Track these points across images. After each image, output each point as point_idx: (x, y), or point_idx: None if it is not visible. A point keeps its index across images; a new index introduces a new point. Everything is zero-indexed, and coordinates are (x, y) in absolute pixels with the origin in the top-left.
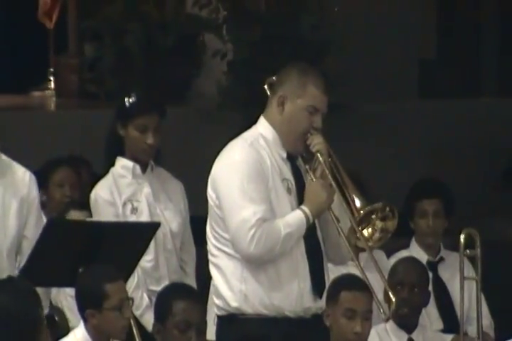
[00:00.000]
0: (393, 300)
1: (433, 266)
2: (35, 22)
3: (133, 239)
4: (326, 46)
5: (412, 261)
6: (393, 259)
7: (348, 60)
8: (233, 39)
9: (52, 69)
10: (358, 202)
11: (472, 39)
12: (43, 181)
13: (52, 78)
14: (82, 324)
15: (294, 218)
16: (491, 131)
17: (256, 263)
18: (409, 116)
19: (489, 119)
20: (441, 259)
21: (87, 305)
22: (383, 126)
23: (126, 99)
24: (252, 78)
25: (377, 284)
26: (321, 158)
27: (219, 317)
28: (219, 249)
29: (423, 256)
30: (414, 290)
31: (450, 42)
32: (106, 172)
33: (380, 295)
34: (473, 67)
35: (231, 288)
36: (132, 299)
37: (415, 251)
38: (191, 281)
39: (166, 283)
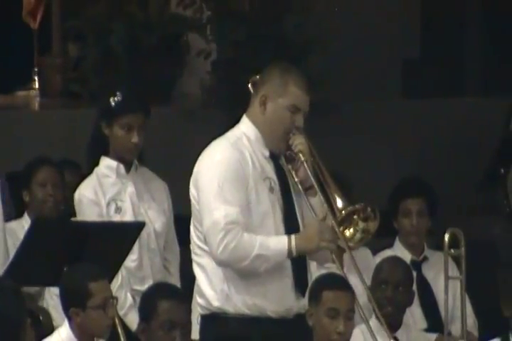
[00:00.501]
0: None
1: (417, 265)
2: (19, 22)
3: (118, 238)
4: (310, 46)
5: (397, 260)
6: (377, 258)
7: (332, 59)
8: (217, 39)
9: (36, 69)
10: (339, 203)
11: (456, 38)
12: (25, 181)
13: (36, 78)
14: (66, 323)
15: (275, 244)
16: (475, 131)
17: (226, 268)
18: (393, 115)
19: (473, 119)
20: (425, 259)
21: (71, 303)
22: (367, 126)
23: (111, 98)
24: (236, 78)
25: (360, 285)
26: (302, 158)
27: (202, 317)
28: (201, 248)
29: (407, 256)
30: (399, 289)
31: (434, 42)
32: (90, 172)
33: (364, 298)
34: (457, 67)
35: (213, 287)
36: (116, 298)
37: (399, 250)
38: (175, 281)
39: (150, 282)
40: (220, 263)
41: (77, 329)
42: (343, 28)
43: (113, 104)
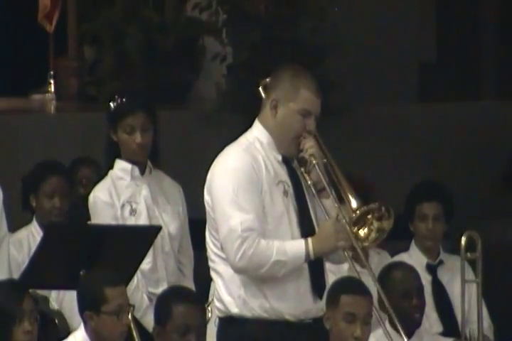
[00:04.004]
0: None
1: (432, 269)
2: (35, 25)
3: (134, 242)
4: (326, 49)
5: (405, 267)
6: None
7: (348, 62)
8: (233, 42)
9: (52, 73)
10: (353, 203)
11: (472, 42)
12: (33, 186)
13: (52, 81)
14: (82, 326)
15: (292, 248)
16: (491, 134)
17: (244, 275)
18: (410, 119)
19: (489, 122)
20: (441, 262)
21: (86, 306)
22: (383, 129)
23: (110, 103)
24: (252, 81)
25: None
26: (314, 162)
27: (220, 319)
28: (217, 255)
29: (423, 259)
30: (420, 295)
31: (450, 46)
32: (105, 174)
33: None
34: (473, 70)
35: (230, 293)
36: (133, 306)
37: (415, 254)
38: (189, 283)
39: (164, 285)
40: (239, 270)
41: (91, 333)
42: (359, 31)
43: (112, 109)
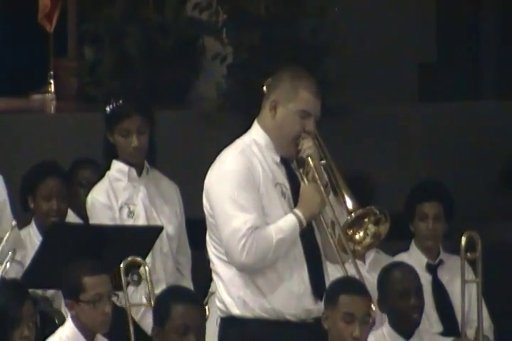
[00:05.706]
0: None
1: (432, 269)
2: (35, 25)
3: (135, 242)
4: (326, 49)
5: (405, 267)
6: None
7: (348, 62)
8: (233, 42)
9: (52, 73)
10: (350, 205)
11: (472, 42)
12: (30, 187)
13: (52, 81)
14: (69, 319)
15: (286, 222)
16: (491, 134)
17: (250, 271)
18: (409, 119)
19: (489, 122)
20: (441, 262)
21: (66, 295)
22: (383, 129)
23: (106, 106)
24: (252, 81)
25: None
26: (311, 163)
27: (221, 319)
28: (217, 257)
29: (423, 259)
30: (419, 295)
31: (450, 45)
32: (103, 175)
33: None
34: (473, 70)
35: (231, 294)
36: (118, 295)
37: (415, 253)
38: (188, 283)
39: (163, 286)
40: (245, 267)
41: (75, 321)
42: (359, 31)
43: (108, 112)
